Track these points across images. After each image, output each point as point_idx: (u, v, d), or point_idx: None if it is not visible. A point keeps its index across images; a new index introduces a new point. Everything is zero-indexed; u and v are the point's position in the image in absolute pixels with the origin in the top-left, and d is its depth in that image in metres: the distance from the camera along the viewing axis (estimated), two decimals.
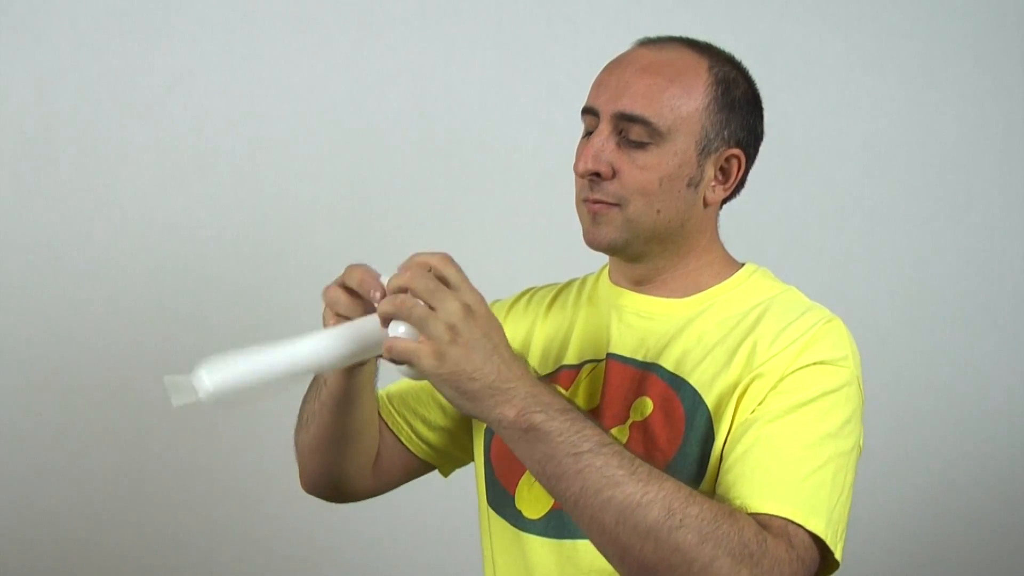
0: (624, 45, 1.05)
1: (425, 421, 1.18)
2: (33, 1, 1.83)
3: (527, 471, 1.04)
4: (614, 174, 1.00)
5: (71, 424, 1.88)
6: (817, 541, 0.88)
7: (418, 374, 0.87)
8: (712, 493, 0.93)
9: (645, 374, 1.02)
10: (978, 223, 2.36)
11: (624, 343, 1.05)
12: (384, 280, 0.89)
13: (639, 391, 1.01)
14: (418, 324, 0.82)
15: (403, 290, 0.84)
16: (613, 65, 1.04)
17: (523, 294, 1.20)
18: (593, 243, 1.03)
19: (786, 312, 1.00)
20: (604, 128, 1.00)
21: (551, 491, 0.86)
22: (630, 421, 1.00)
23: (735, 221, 1.13)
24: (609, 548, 0.85)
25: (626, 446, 0.87)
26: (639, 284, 1.07)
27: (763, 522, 0.86)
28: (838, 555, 0.91)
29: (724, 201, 1.07)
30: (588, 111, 1.03)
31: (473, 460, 1.18)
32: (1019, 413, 2.40)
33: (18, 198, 1.85)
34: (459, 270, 0.86)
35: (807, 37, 2.23)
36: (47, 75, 1.84)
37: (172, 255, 1.91)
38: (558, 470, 0.84)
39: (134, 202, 1.89)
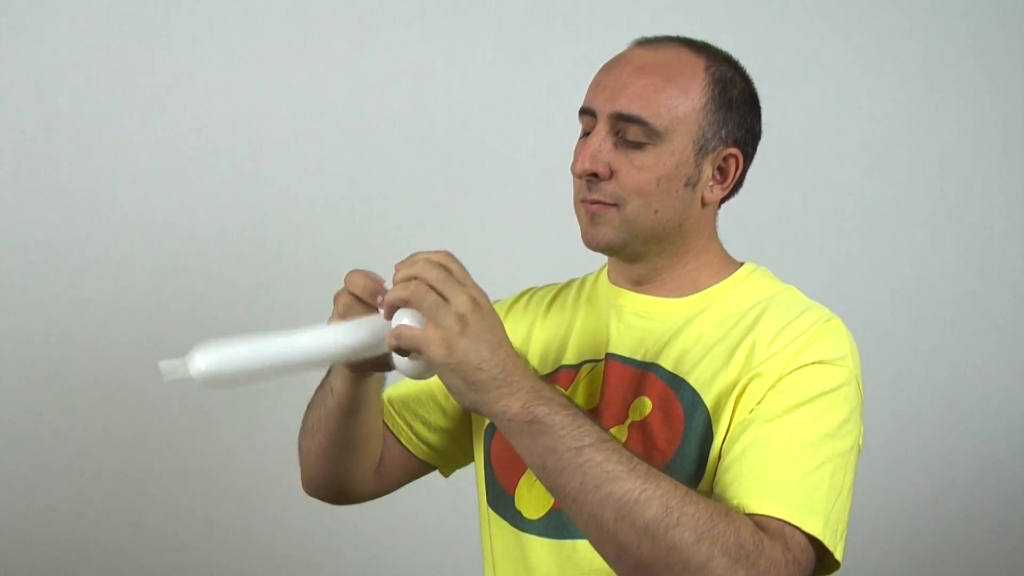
0: (624, 45, 1.06)
1: (425, 422, 1.18)
2: (33, 1, 1.83)
3: (526, 472, 1.04)
4: (611, 174, 1.00)
5: (71, 424, 1.88)
6: (814, 542, 0.88)
7: (421, 369, 0.87)
8: (710, 493, 0.93)
9: (644, 374, 1.02)
10: (978, 223, 2.36)
11: (623, 343, 1.05)
12: (388, 286, 0.89)
13: (638, 391, 1.01)
14: (430, 312, 0.83)
15: (410, 280, 0.85)
16: (610, 65, 1.04)
17: (522, 294, 1.21)
18: (591, 243, 1.03)
19: (785, 311, 1.00)
20: (601, 128, 1.00)
21: (550, 486, 0.86)
22: (629, 421, 1.00)
23: (735, 221, 1.13)
24: (606, 545, 0.85)
25: (625, 446, 0.87)
26: (638, 284, 1.07)
27: (760, 523, 0.86)
28: (838, 555, 0.90)
29: (722, 201, 1.06)
30: (585, 111, 1.03)
31: (473, 461, 1.18)
32: (1019, 413, 2.40)
33: (18, 198, 1.85)
34: (462, 266, 0.87)
35: (807, 37, 2.23)
36: (47, 75, 1.84)
37: (172, 255, 1.91)
38: (559, 464, 0.84)
39: (134, 202, 1.89)
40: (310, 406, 1.12)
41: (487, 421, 1.12)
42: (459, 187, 2.05)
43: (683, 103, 0.99)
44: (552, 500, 1.02)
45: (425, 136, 2.03)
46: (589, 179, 1.01)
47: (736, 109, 1.02)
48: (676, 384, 0.99)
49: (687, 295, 1.05)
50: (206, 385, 0.84)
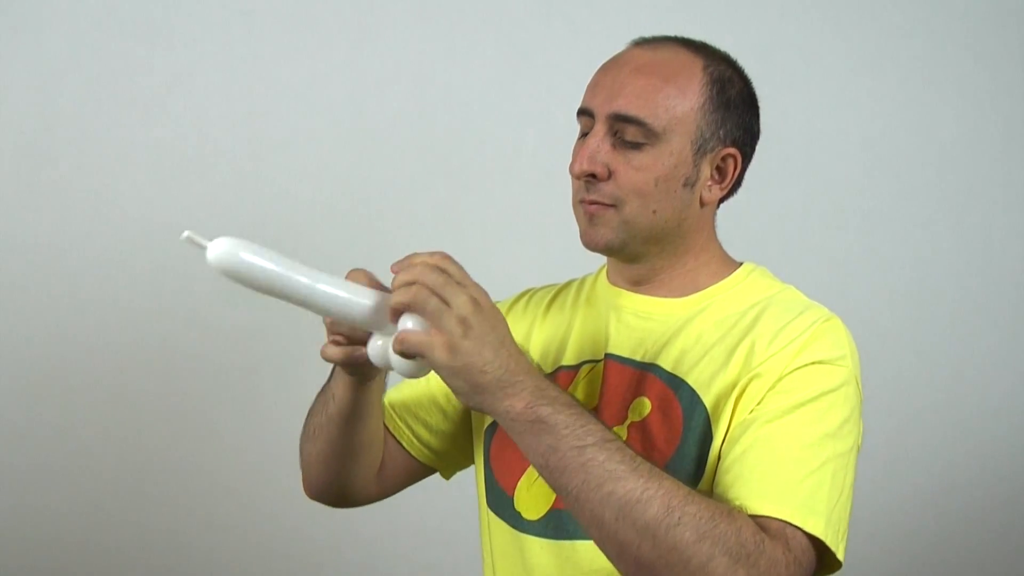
0: (624, 45, 1.06)
1: (426, 425, 1.18)
2: (33, 1, 1.83)
3: (526, 473, 1.04)
4: (610, 175, 1.00)
5: (71, 424, 1.88)
6: (815, 542, 0.88)
7: (422, 371, 0.87)
8: (710, 493, 0.93)
9: (643, 374, 1.02)
10: (978, 223, 2.36)
11: (622, 343, 1.05)
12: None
13: (637, 391, 1.01)
14: (432, 317, 0.83)
15: (411, 284, 0.85)
16: (607, 66, 1.04)
17: (522, 295, 1.21)
18: (590, 244, 1.03)
19: (784, 311, 1.00)
20: (599, 129, 1.00)
21: (553, 484, 0.86)
22: (628, 421, 1.00)
23: (735, 220, 1.13)
24: (608, 543, 0.85)
25: (627, 445, 0.87)
26: (637, 284, 1.07)
27: (761, 523, 0.86)
28: (840, 555, 0.90)
29: (721, 200, 1.07)
30: (583, 112, 1.03)
31: (474, 462, 1.18)
32: (1019, 413, 2.40)
33: (18, 198, 1.85)
34: (460, 267, 0.87)
35: (807, 37, 2.23)
36: (47, 75, 1.84)
37: (172, 255, 1.90)
38: (561, 463, 0.84)
39: (134, 202, 1.89)
40: (311, 412, 1.12)
41: (487, 423, 1.12)
42: (459, 187, 2.05)
43: (681, 103, 0.99)
44: (551, 501, 1.02)
45: (425, 136, 2.03)
46: (587, 180, 1.01)
47: (734, 109, 1.02)
48: (675, 384, 0.99)
49: (686, 295, 1.05)
50: (214, 268, 0.87)
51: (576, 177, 1.02)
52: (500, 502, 1.07)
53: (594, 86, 1.03)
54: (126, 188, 1.89)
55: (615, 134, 1.00)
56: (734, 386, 0.96)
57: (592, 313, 1.11)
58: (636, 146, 0.99)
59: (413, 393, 1.19)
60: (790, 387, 0.93)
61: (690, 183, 1.01)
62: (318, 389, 1.12)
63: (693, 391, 0.98)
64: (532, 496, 1.04)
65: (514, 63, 2.07)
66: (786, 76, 2.19)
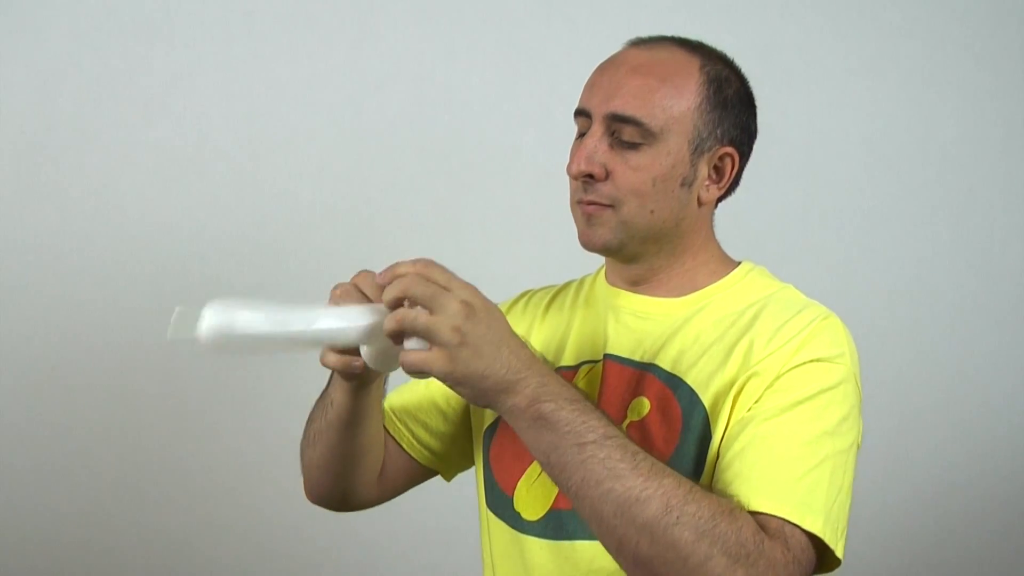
0: (623, 45, 1.05)
1: (427, 427, 1.19)
2: (33, 1, 1.83)
3: (525, 473, 1.04)
4: (607, 175, 1.00)
5: (71, 424, 1.89)
6: (815, 540, 0.88)
7: (389, 361, 0.88)
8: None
9: (642, 374, 1.02)
10: (978, 223, 2.36)
11: (621, 343, 1.05)
12: None
13: (636, 391, 1.01)
14: (424, 333, 0.82)
15: (399, 300, 0.84)
16: (604, 66, 1.04)
17: (520, 296, 1.21)
18: (588, 245, 1.03)
19: (782, 310, 1.00)
20: (597, 129, 1.00)
21: (555, 479, 0.86)
22: (627, 421, 1.01)
23: (734, 220, 1.13)
24: (607, 539, 0.85)
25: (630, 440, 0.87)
26: (635, 284, 1.07)
27: (760, 522, 0.86)
28: (839, 553, 0.90)
29: (719, 200, 1.07)
30: (580, 113, 1.03)
31: (474, 464, 1.18)
32: (1019, 413, 2.40)
33: (18, 198, 1.85)
34: (444, 270, 0.85)
35: (807, 37, 2.23)
36: (47, 75, 1.84)
37: (172, 255, 1.91)
38: (562, 460, 0.84)
39: (134, 202, 1.89)
40: (311, 418, 1.12)
41: (486, 424, 1.12)
42: (459, 187, 2.05)
43: (678, 103, 0.99)
44: (551, 501, 1.02)
45: (425, 136, 2.03)
46: (585, 180, 1.01)
47: (731, 108, 1.02)
48: (674, 384, 0.99)
49: (684, 295, 1.05)
50: (209, 349, 0.84)
51: (573, 177, 1.02)
52: (500, 503, 1.07)
53: (591, 86, 1.03)
54: (126, 188, 1.89)
55: (612, 134, 1.00)
56: (732, 385, 0.96)
57: (591, 314, 1.11)
58: (633, 146, 0.99)
59: (413, 396, 1.19)
60: (788, 385, 0.93)
61: (688, 183, 1.01)
62: (318, 390, 1.12)
63: (692, 390, 0.98)
64: (532, 496, 1.04)
65: (514, 63, 2.07)
66: (786, 76, 2.19)
